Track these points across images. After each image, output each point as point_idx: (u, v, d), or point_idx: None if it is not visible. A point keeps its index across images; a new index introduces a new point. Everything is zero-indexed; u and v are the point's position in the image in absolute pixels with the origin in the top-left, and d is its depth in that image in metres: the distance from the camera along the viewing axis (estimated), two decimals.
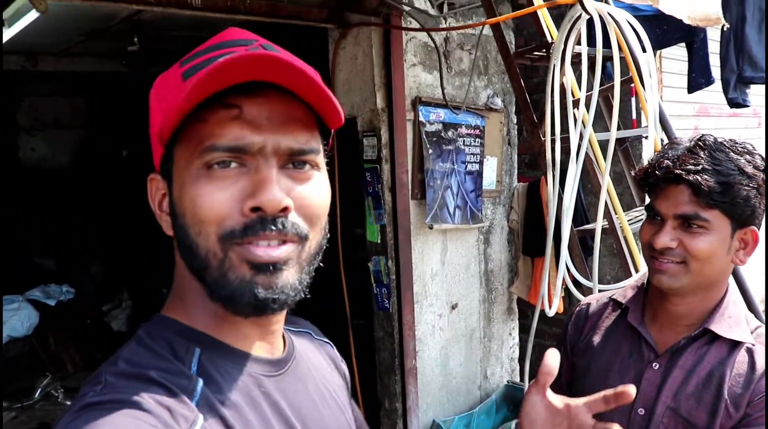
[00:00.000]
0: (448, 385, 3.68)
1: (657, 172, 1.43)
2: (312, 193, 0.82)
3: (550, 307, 2.70)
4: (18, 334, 4.49)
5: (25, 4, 3.22)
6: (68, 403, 3.08)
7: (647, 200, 1.53)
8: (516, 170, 4.05)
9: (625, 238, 2.72)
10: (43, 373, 3.19)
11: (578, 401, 1.01)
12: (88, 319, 5.02)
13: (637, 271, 2.63)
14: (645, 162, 1.58)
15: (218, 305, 0.81)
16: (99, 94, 5.96)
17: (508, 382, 3.98)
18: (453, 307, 3.70)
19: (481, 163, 3.71)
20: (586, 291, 2.83)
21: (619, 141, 3.11)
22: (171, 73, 0.84)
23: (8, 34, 3.57)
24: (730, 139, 1.45)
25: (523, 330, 4.21)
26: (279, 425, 0.84)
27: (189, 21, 3.73)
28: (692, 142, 1.45)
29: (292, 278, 0.80)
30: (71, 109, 6.11)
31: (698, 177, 1.36)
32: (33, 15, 3.30)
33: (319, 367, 1.02)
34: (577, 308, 1.75)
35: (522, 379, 3.68)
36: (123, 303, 5.39)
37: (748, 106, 3.15)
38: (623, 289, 1.67)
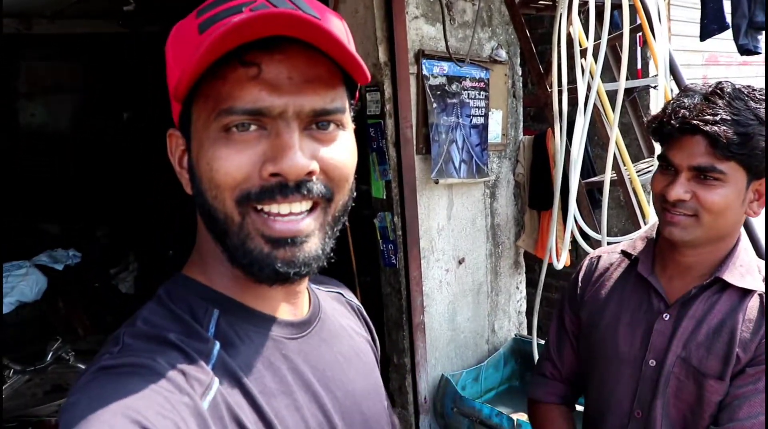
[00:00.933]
0: (455, 340, 3.70)
1: (672, 121, 1.38)
2: (337, 154, 0.79)
3: (558, 260, 2.69)
4: (27, 299, 4.53)
5: None
6: (80, 365, 3.13)
7: (658, 150, 1.49)
8: (521, 123, 4.00)
9: (633, 189, 2.70)
10: (54, 337, 3.21)
11: None
12: (96, 283, 5.05)
13: (645, 222, 2.61)
14: (657, 111, 1.53)
15: (239, 270, 0.79)
16: (96, 56, 5.88)
17: (515, 335, 4.00)
18: (460, 262, 3.69)
19: (486, 116, 3.66)
20: (594, 243, 2.82)
21: (627, 91, 3.05)
22: (186, 23, 0.79)
23: None
24: (748, 86, 1.40)
25: (530, 284, 4.22)
26: (299, 389, 0.83)
27: None
28: (710, 90, 1.40)
29: (315, 248, 0.78)
30: (69, 73, 6.04)
31: (716, 128, 1.31)
32: None
33: (347, 328, 1.00)
34: (587, 261, 1.73)
35: (530, 332, 3.70)
36: (130, 265, 5.41)
37: (759, 53, 3.07)
38: (632, 241, 1.65)
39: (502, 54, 3.71)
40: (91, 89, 6.16)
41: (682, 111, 1.37)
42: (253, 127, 0.74)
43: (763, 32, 3.04)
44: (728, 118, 1.32)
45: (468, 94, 3.56)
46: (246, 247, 0.76)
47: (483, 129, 3.66)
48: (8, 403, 2.53)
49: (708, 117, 1.33)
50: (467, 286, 3.75)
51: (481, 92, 3.63)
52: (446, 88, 3.44)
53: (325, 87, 0.76)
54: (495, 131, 3.78)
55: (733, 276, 1.41)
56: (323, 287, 1.05)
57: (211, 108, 0.74)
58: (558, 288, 4.47)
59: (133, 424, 0.63)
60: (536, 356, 3.41)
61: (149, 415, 0.65)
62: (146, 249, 5.51)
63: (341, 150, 0.79)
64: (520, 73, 3.91)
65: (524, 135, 4.01)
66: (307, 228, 0.77)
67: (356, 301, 1.13)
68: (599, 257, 1.70)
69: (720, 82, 1.42)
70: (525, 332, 4.09)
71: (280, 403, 0.80)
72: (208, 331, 0.79)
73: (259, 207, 0.75)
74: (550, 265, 2.90)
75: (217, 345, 0.78)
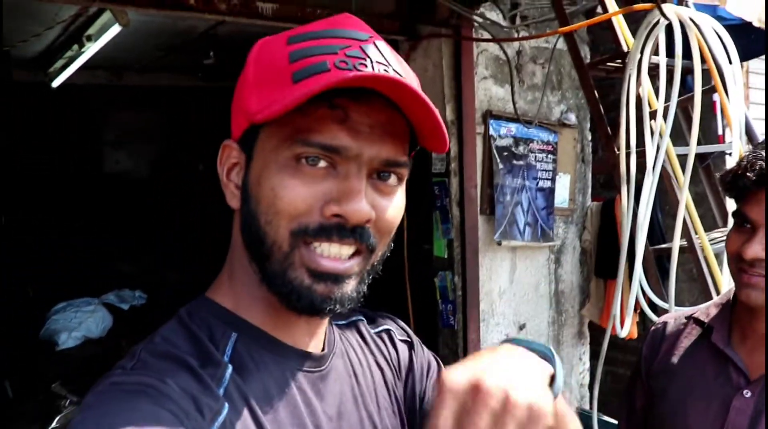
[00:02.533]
0: None
1: (749, 173, 1.30)
2: (392, 207, 0.80)
3: (621, 327, 2.57)
4: (93, 336, 4.67)
5: (110, 19, 3.38)
6: None
7: (731, 207, 1.40)
8: (590, 189, 3.92)
9: (706, 259, 2.56)
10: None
11: None
12: (159, 325, 5.15)
13: (719, 292, 2.47)
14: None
15: (271, 295, 0.79)
16: (177, 108, 6.17)
17: (578, 409, 3.81)
18: (521, 328, 3.58)
19: (553, 179, 3.61)
20: (662, 313, 2.68)
21: (701, 158, 2.95)
22: (276, 45, 0.80)
23: (94, 48, 3.77)
24: None
25: (594, 356, 4.03)
26: (312, 421, 0.81)
27: (261, 34, 3.81)
28: None
29: (351, 290, 0.79)
30: (152, 123, 6.35)
31: None
32: (116, 29, 3.46)
33: (362, 363, 0.97)
34: (653, 327, 1.62)
35: (591, 406, 3.51)
36: None
37: None
38: (706, 308, 1.52)
39: (572, 118, 3.67)
40: (171, 140, 6.46)
41: (759, 162, 1.29)
42: (322, 163, 0.75)
43: None
44: None
45: (535, 156, 3.53)
46: (287, 276, 0.76)
47: (550, 193, 3.61)
48: None
49: None
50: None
51: (549, 155, 3.59)
52: (513, 149, 3.42)
53: (399, 142, 0.78)
54: (562, 196, 3.72)
55: None
56: (343, 320, 1.02)
57: (288, 135, 0.75)
58: (624, 362, 4.26)
59: None
60: None
61: None
62: None
63: (396, 204, 0.81)
64: (589, 138, 3.86)
65: (592, 201, 3.92)
66: (350, 270, 0.78)
67: (381, 324, 1.05)
68: (665, 324, 1.59)
69: None
70: (587, 406, 3.90)
71: None
72: (224, 354, 0.78)
73: (312, 242, 0.76)
74: (615, 336, 2.76)
75: (230, 369, 0.77)
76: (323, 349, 0.89)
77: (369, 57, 0.75)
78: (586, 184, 3.88)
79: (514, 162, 3.43)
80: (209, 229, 6.18)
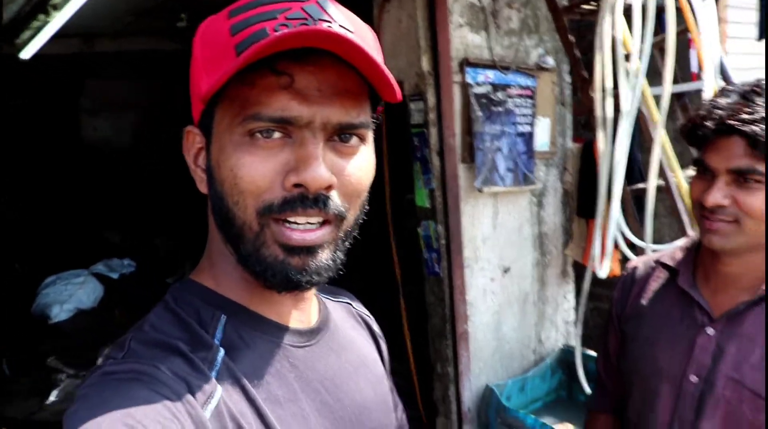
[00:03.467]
0: (501, 350, 3.65)
1: (707, 122, 1.33)
2: (357, 169, 0.79)
3: (601, 268, 2.63)
4: (85, 307, 4.70)
5: None
6: None
7: (694, 153, 1.44)
8: (570, 131, 3.94)
9: (682, 197, 2.62)
10: (108, 343, 3.32)
11: None
12: (150, 292, 5.19)
13: (693, 229, 2.53)
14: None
15: (249, 275, 0.80)
16: (156, 71, 6.07)
17: (563, 345, 3.92)
18: (505, 271, 3.65)
19: (532, 124, 3.62)
20: (641, 253, 2.75)
21: (677, 96, 2.97)
22: (218, 23, 0.79)
23: (61, 16, 3.67)
24: None
25: (580, 293, 4.12)
26: (306, 397, 0.83)
27: None
28: (747, 88, 1.34)
29: (326, 258, 0.79)
30: (130, 89, 6.25)
31: (755, 127, 1.25)
32: None
33: (356, 339, 1.00)
34: (624, 273, 1.68)
35: (590, 345, 3.62)
36: (185, 275, 5.54)
37: None
38: (672, 251, 1.58)
39: (549, 61, 3.66)
40: (152, 104, 6.37)
41: (717, 111, 1.32)
42: (277, 134, 0.74)
43: None
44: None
45: (514, 102, 3.53)
46: (260, 254, 0.77)
47: (529, 137, 3.62)
48: (61, 405, 2.60)
49: (745, 116, 1.27)
50: (513, 295, 3.70)
51: (528, 100, 3.59)
52: (491, 96, 3.42)
53: (353, 101, 0.77)
54: (542, 139, 3.74)
55: None
56: (333, 297, 1.05)
57: (237, 112, 0.75)
58: (608, 298, 4.36)
59: None
60: (579, 367, 3.33)
61: (148, 423, 0.65)
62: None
63: (360, 165, 0.80)
64: (568, 80, 3.86)
65: (574, 143, 3.94)
66: (320, 239, 0.77)
67: (365, 311, 1.12)
68: (635, 269, 1.65)
69: (758, 79, 1.36)
70: (573, 342, 4.00)
71: (286, 411, 0.79)
72: (214, 336, 0.79)
73: (279, 217, 0.76)
74: (594, 274, 2.83)
75: (222, 352, 0.78)
76: (313, 323, 0.91)
77: (311, 17, 0.74)
78: (566, 126, 3.90)
79: (493, 109, 3.44)
80: (194, 194, 6.19)
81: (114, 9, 3.87)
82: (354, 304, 1.10)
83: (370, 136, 0.82)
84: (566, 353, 3.82)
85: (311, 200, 0.74)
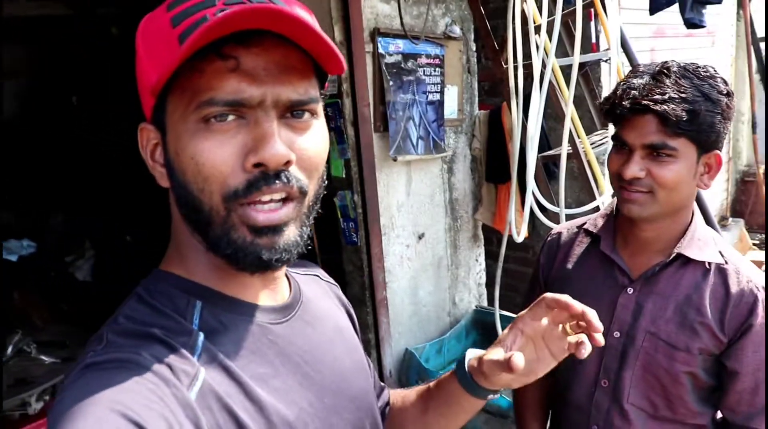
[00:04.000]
0: (418, 314, 3.77)
1: (624, 102, 1.43)
2: (312, 144, 0.81)
3: (518, 234, 2.76)
4: None
5: None
6: (42, 357, 3.08)
7: (611, 128, 1.54)
8: (477, 98, 4.04)
9: (588, 161, 2.77)
10: (14, 330, 3.16)
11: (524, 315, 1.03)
12: (51, 272, 4.95)
13: (600, 193, 2.69)
14: (607, 91, 1.58)
15: (220, 260, 0.81)
16: (44, 39, 5.68)
17: (476, 307, 4.09)
18: (420, 237, 3.74)
19: (442, 92, 3.69)
20: (552, 215, 2.90)
21: (579, 65, 3.11)
22: (157, 17, 0.79)
23: None
24: (692, 64, 1.46)
25: (488, 256, 4.30)
26: (288, 372, 0.85)
27: None
28: (657, 70, 1.45)
29: (293, 236, 0.80)
30: (17, 57, 5.82)
31: (665, 107, 1.37)
32: None
33: (328, 309, 1.03)
34: (548, 238, 1.79)
35: (491, 304, 3.78)
36: (86, 253, 5.30)
37: (704, 26, 3.17)
38: (593, 219, 1.71)
39: (456, 30, 3.73)
40: (38, 73, 5.96)
41: (632, 92, 1.43)
42: (231, 117, 0.75)
43: (708, 6, 3.15)
44: (675, 96, 1.38)
45: (423, 71, 3.58)
46: (230, 237, 0.78)
47: (439, 105, 3.69)
48: None
49: (657, 96, 1.38)
50: (428, 260, 3.81)
51: (437, 69, 3.65)
52: (402, 65, 3.45)
53: (300, 77, 0.78)
54: (451, 107, 3.82)
55: (692, 250, 1.49)
56: (300, 270, 1.07)
57: (189, 100, 0.75)
58: (515, 259, 4.56)
59: (120, 417, 0.64)
60: (499, 327, 3.49)
61: (136, 407, 0.66)
62: (103, 235, 5.41)
63: (315, 139, 0.81)
64: (474, 48, 3.94)
65: (479, 110, 4.05)
66: (285, 217, 0.79)
67: (332, 281, 1.16)
68: (560, 234, 1.76)
69: (666, 62, 1.47)
70: (485, 303, 4.18)
71: (269, 387, 0.81)
72: (192, 322, 0.80)
73: (245, 201, 0.77)
74: (509, 238, 2.96)
75: (201, 336, 0.79)
76: (287, 299, 0.93)
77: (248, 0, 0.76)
78: (473, 94, 4.00)
79: (404, 78, 3.47)
80: (89, 167, 5.88)
81: None
82: (321, 274, 1.14)
83: (320, 110, 0.84)
84: (479, 314, 3.98)
85: (272, 177, 0.76)
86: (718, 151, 1.44)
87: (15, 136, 5.73)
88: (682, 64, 1.43)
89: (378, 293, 3.44)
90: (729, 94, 1.42)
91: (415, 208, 3.70)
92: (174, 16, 0.76)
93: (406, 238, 3.66)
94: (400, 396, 1.20)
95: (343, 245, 3.56)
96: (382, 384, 1.22)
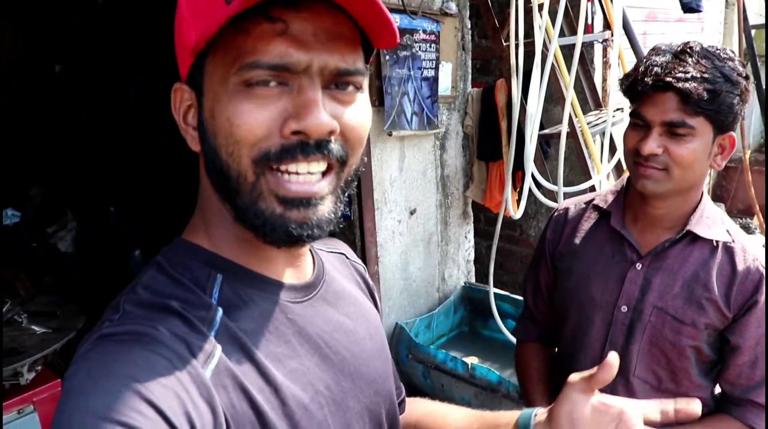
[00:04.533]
0: (408, 289, 3.80)
1: (646, 78, 1.45)
2: (356, 116, 0.78)
3: (515, 211, 2.79)
4: None
5: None
6: (33, 327, 3.05)
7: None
8: (470, 76, 4.05)
9: (585, 141, 2.81)
10: (3, 300, 3.11)
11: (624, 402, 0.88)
12: (33, 243, 4.88)
13: (597, 172, 2.73)
14: (599, 73, 1.60)
15: (246, 231, 0.78)
16: (26, 8, 5.53)
17: (465, 283, 4.13)
18: (411, 213, 3.76)
19: (436, 68, 3.69)
20: (547, 193, 2.93)
21: (575, 46, 3.13)
22: None
23: None
24: (713, 46, 1.49)
25: (477, 233, 4.34)
26: (306, 352, 0.83)
27: None
28: (679, 49, 1.47)
29: (327, 211, 0.77)
30: None
31: (687, 84, 1.39)
32: None
33: (352, 290, 1.00)
34: (555, 213, 1.82)
35: (483, 281, 3.83)
36: (68, 223, 5.23)
37: (701, 11, 3.21)
38: (603, 195, 1.74)
39: (453, 6, 3.72)
40: (20, 41, 5.82)
41: (655, 69, 1.45)
42: (273, 83, 0.73)
43: None
44: (698, 75, 1.40)
45: (419, 46, 3.57)
46: (258, 207, 0.75)
47: (433, 81, 3.69)
48: None
49: (679, 74, 1.41)
50: (419, 236, 3.83)
51: (432, 45, 3.65)
52: (399, 40, 3.44)
53: (349, 47, 0.76)
54: (445, 84, 3.82)
55: (701, 228, 1.53)
56: (326, 247, 1.05)
57: (232, 61, 0.73)
58: (503, 237, 4.60)
59: (133, 393, 0.63)
60: (493, 305, 3.53)
61: (150, 384, 0.65)
62: (85, 206, 5.34)
63: (359, 112, 0.79)
64: (469, 26, 3.94)
65: (472, 87, 4.06)
66: (321, 190, 0.76)
67: (359, 261, 1.13)
68: (567, 209, 1.79)
69: (688, 42, 1.49)
70: (473, 280, 4.23)
71: (286, 368, 0.79)
72: (211, 296, 0.78)
73: (278, 166, 0.74)
74: (491, 215, 3.00)
75: (220, 311, 0.77)
76: (309, 278, 0.90)
77: None
78: (467, 71, 4.00)
79: (400, 53, 3.46)
80: (71, 136, 5.79)
81: None
82: (347, 253, 1.11)
83: (365, 84, 0.81)
84: (467, 290, 4.03)
85: (312, 146, 0.73)
86: (732, 133, 1.48)
87: None
88: (704, 46, 1.46)
89: (370, 267, 3.46)
90: (747, 77, 1.45)
91: (408, 184, 3.71)
92: None
93: (398, 213, 3.68)
94: (427, 404, 1.18)
95: None
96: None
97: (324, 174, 0.77)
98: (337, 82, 0.76)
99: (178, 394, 0.66)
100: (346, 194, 0.82)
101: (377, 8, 0.73)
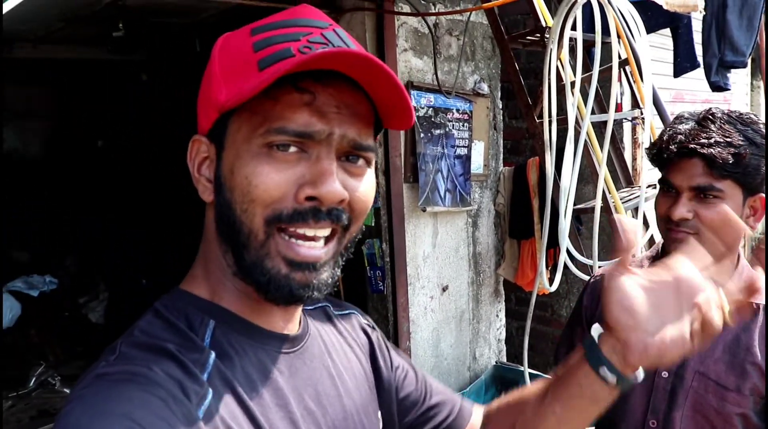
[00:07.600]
0: (439, 366, 3.75)
1: (671, 146, 1.49)
2: (365, 188, 0.82)
3: (550, 285, 2.78)
4: None
5: None
6: (66, 390, 3.05)
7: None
8: (501, 155, 4.13)
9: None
10: (37, 362, 3.14)
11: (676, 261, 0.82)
12: (65, 312, 4.94)
13: None
14: (629, 151, 1.64)
15: (247, 285, 0.81)
16: (75, 82, 5.81)
17: (496, 362, 4.06)
18: (444, 289, 3.76)
19: (469, 147, 3.77)
20: (581, 268, 2.92)
21: (605, 124, 3.19)
22: (239, 38, 0.82)
23: None
24: (735, 111, 1.52)
25: (507, 313, 4.30)
26: (294, 402, 0.85)
27: (173, 6, 3.69)
28: (701, 116, 1.51)
29: (327, 276, 0.81)
30: (45, 98, 5.94)
31: (711, 150, 1.42)
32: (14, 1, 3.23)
33: (335, 343, 1.01)
34: (592, 279, 1.82)
35: (517, 361, 3.77)
36: (100, 295, 5.30)
37: (729, 89, 3.28)
38: (639, 260, 1.74)
39: (485, 87, 3.84)
40: (66, 115, 6.08)
41: (679, 136, 1.49)
42: (293, 149, 0.77)
43: (732, 71, 3.26)
44: (721, 140, 1.43)
45: (453, 125, 3.67)
46: (264, 266, 0.78)
47: (466, 159, 3.77)
48: None
49: (703, 140, 1.44)
50: (450, 313, 3.81)
51: (465, 124, 3.75)
52: (432, 119, 3.55)
53: (365, 124, 0.81)
54: (477, 162, 3.90)
55: None
56: (310, 304, 1.04)
57: (258, 124, 0.77)
58: (534, 317, 4.55)
59: None
60: (528, 384, 3.45)
61: (145, 421, 0.65)
62: (117, 278, 5.41)
63: (367, 185, 0.83)
64: (500, 106, 4.05)
65: (504, 167, 4.13)
66: (325, 256, 0.80)
67: (345, 309, 1.11)
68: (603, 276, 1.79)
69: (710, 109, 1.54)
70: (504, 359, 4.16)
71: (275, 416, 0.81)
72: (203, 340, 0.80)
73: (287, 228, 0.78)
74: (524, 293, 2.98)
75: (213, 355, 0.79)
76: (298, 330, 0.92)
77: (331, 42, 0.79)
78: (498, 150, 4.08)
79: (434, 131, 3.56)
80: (109, 210, 5.94)
81: (44, 14, 3.72)
82: (331, 305, 1.11)
83: (373, 161, 0.85)
84: (499, 370, 3.96)
85: (324, 213, 0.77)
86: (762, 194, 1.49)
87: (38, 177, 5.81)
88: (725, 111, 1.50)
89: (402, 343, 3.44)
90: None
91: (440, 260, 3.72)
92: (257, 41, 0.79)
93: (431, 289, 3.67)
94: (506, 400, 1.17)
95: (368, 293, 3.57)
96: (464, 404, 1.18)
97: (327, 239, 0.81)
98: (349, 155, 0.81)
99: None
100: (344, 260, 0.86)
101: (400, 93, 0.79)
